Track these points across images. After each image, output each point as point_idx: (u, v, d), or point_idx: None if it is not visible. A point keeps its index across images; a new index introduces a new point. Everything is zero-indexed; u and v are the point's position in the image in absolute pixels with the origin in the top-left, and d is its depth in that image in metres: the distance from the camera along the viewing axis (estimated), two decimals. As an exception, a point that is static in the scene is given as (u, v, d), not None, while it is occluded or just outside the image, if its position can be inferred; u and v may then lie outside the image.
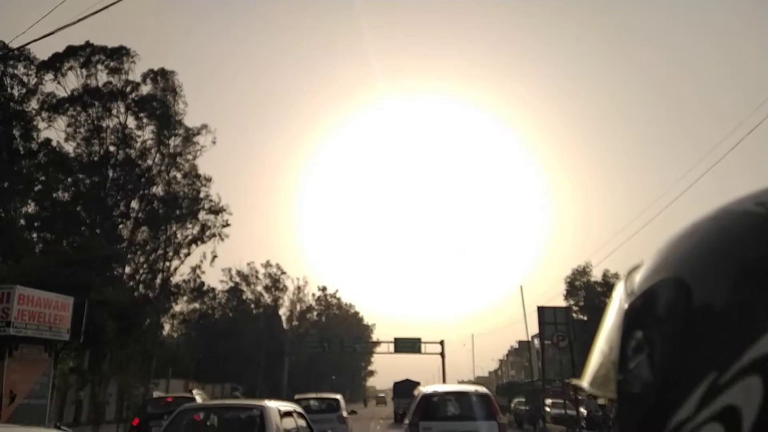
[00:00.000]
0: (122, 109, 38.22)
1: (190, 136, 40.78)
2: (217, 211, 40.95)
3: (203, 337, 68.49)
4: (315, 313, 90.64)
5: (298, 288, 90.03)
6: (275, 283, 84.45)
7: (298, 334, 70.13)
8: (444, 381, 56.51)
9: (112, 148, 38.19)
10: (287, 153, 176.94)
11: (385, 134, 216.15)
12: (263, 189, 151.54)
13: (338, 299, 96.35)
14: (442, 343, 56.51)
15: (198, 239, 40.80)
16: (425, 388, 10.87)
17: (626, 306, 0.61)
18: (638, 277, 0.62)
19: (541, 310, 24.26)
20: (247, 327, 70.42)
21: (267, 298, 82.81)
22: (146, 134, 39.38)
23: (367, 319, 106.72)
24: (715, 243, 0.55)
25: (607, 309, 0.67)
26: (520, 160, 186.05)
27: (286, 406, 7.78)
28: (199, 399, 14.29)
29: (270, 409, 7.03)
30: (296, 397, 17.94)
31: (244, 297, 79.90)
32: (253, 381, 63.39)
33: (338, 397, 17.07)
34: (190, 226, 40.13)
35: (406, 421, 10.08)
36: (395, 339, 56.25)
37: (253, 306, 79.36)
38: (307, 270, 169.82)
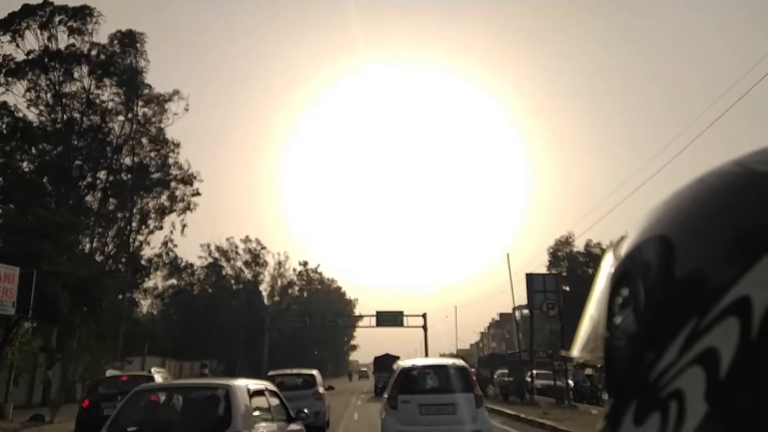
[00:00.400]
0: (86, 73, 35.97)
1: (160, 101, 38.76)
2: (186, 180, 39.17)
3: (181, 313, 67.04)
4: (296, 288, 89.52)
5: (279, 263, 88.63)
6: (255, 259, 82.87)
7: (279, 310, 68.84)
8: (426, 354, 56.02)
9: (76, 115, 36.07)
10: (268, 124, 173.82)
11: (367, 102, 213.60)
12: (243, 162, 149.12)
13: (320, 274, 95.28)
14: (424, 316, 55.78)
15: (167, 210, 39.12)
16: (404, 362, 10.84)
17: (612, 270, 0.64)
18: (625, 244, 0.65)
19: (530, 278, 23.39)
20: (227, 303, 69.15)
21: (247, 273, 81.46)
22: (112, 100, 37.27)
23: (350, 294, 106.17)
24: (695, 201, 0.58)
25: (596, 278, 0.68)
26: (501, 129, 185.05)
27: (256, 384, 7.14)
28: (159, 378, 13.02)
29: (236, 388, 6.37)
30: (270, 373, 16.86)
31: (223, 273, 78.45)
32: (233, 358, 62.36)
33: (314, 372, 16.02)
34: (158, 195, 38.34)
35: (386, 395, 10.19)
36: (377, 312, 55.31)
37: (233, 282, 77.98)
38: (289, 245, 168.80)
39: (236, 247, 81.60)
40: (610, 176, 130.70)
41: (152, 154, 37.91)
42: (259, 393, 6.94)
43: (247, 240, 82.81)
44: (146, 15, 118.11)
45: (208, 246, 79.82)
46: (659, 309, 0.56)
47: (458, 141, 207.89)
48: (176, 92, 38.97)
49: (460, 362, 10.72)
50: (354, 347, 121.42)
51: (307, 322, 56.70)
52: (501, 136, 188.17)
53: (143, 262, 37.84)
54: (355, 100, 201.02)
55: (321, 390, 15.54)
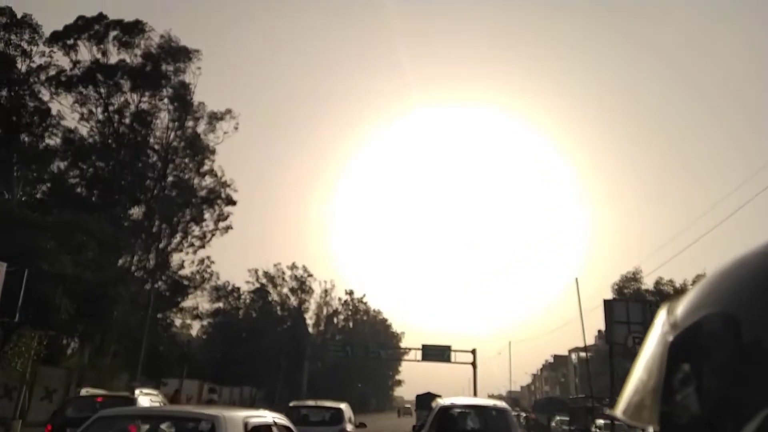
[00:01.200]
0: (130, 87, 35.83)
1: (212, 119, 38.26)
2: (229, 200, 38.17)
3: (224, 337, 66.05)
4: (341, 317, 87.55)
5: (325, 291, 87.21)
6: (301, 285, 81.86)
7: (322, 339, 66.81)
8: (475, 393, 52.45)
9: (124, 130, 35.88)
10: (321, 157, 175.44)
11: (419, 141, 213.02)
12: (296, 193, 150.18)
13: (365, 304, 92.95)
14: (473, 352, 52.43)
15: (208, 229, 38.15)
16: (443, 400, 10.09)
17: (671, 338, 0.60)
18: (682, 309, 0.60)
19: (610, 305, 19.39)
20: (271, 329, 67.71)
21: (293, 300, 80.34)
22: (162, 116, 36.97)
23: (396, 327, 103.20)
24: (765, 277, 0.53)
25: (647, 337, 0.65)
26: (558, 168, 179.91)
27: (260, 417, 5.95)
28: (144, 401, 10.96)
29: (225, 421, 5.19)
30: (291, 404, 14.69)
31: (269, 299, 77.51)
32: (273, 385, 60.41)
33: (342, 406, 13.73)
34: (200, 213, 37.41)
35: None
36: (423, 346, 52.42)
37: (278, 308, 76.84)
38: (336, 276, 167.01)
39: (283, 273, 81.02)
40: (684, 210, 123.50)
41: (192, 167, 37.16)
42: (264, 428, 5.90)
43: (293, 267, 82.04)
44: (205, 33, 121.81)
45: (256, 271, 79.34)
46: (725, 394, 0.51)
47: (511, 178, 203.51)
48: (228, 111, 38.46)
49: (501, 404, 10.17)
50: (399, 382, 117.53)
51: (349, 351, 54.31)
52: (557, 173, 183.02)
53: (181, 279, 36.73)
54: (407, 137, 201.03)
55: (349, 428, 13.27)
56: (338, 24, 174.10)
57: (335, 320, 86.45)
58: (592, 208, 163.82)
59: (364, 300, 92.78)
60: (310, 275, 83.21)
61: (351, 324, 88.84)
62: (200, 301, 40.32)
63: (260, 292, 77.50)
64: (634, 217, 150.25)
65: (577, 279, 29.28)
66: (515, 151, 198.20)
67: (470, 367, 52.28)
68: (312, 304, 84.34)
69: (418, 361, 52.72)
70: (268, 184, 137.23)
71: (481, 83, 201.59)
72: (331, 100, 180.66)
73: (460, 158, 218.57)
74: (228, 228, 38.78)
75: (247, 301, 76.94)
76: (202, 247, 37.88)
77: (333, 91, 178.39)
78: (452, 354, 51.85)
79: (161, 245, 36.56)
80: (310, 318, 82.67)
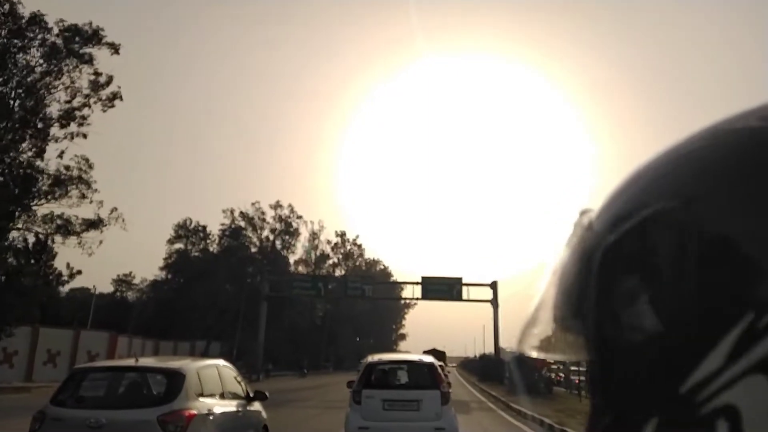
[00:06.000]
0: None
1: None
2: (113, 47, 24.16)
3: (177, 284, 53.43)
4: (331, 261, 75.11)
5: (313, 233, 74.88)
6: (287, 228, 69.16)
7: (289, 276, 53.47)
8: (496, 343, 39.58)
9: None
10: (325, 112, 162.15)
11: (421, 88, 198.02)
12: (300, 144, 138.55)
13: (360, 247, 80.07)
14: (493, 285, 38.97)
15: (85, 102, 24.38)
16: (372, 357, 10.60)
17: (600, 248, 0.47)
18: (610, 215, 0.48)
19: None
20: (239, 274, 54.77)
21: (278, 244, 67.70)
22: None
23: (397, 277, 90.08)
24: (726, 162, 0.43)
25: (550, 255, 0.54)
26: (569, 121, 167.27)
27: (207, 363, 7.58)
28: None
29: (182, 369, 6.66)
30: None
31: (246, 242, 64.57)
32: (235, 340, 47.64)
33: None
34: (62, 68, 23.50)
35: (351, 389, 9.98)
36: (423, 278, 38.70)
37: (256, 252, 64.04)
38: (331, 224, 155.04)
39: (263, 213, 68.12)
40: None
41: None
42: (212, 372, 7.11)
43: (278, 206, 68.98)
44: None
45: (231, 211, 66.42)
46: (693, 302, 0.41)
47: (519, 124, 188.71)
48: None
49: (428, 358, 10.56)
50: (403, 336, 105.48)
51: (321, 289, 40.78)
52: (568, 126, 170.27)
53: (38, 174, 23.05)
54: (408, 85, 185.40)
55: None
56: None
57: (323, 266, 74.16)
58: (599, 148, 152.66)
59: (358, 242, 79.89)
60: (299, 217, 70.59)
61: (343, 271, 76.06)
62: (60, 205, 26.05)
63: (234, 234, 64.68)
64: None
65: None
66: (522, 100, 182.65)
67: (489, 308, 39.30)
68: (299, 249, 72.30)
69: (418, 299, 39.47)
70: (266, 128, 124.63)
71: (487, 30, 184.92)
72: (336, 46, 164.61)
73: (464, 105, 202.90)
74: (114, 98, 24.99)
75: (216, 244, 64.46)
76: (70, 122, 24.05)
77: (337, 37, 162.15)
78: (464, 290, 38.47)
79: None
80: (295, 265, 70.58)
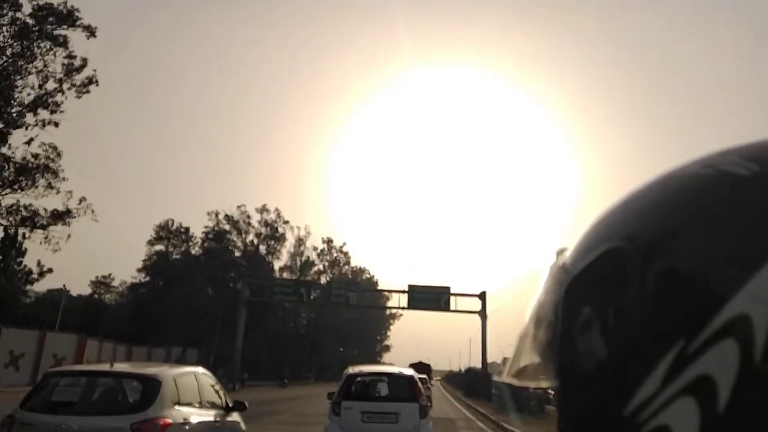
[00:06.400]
0: None
1: None
2: (89, 31, 22.68)
3: (156, 287, 51.58)
4: (316, 269, 73.45)
5: (299, 239, 73.25)
6: (273, 233, 67.53)
7: (269, 279, 51.80)
8: (483, 355, 38.24)
9: None
10: (318, 123, 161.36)
11: (411, 101, 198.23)
12: (290, 148, 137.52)
13: (346, 255, 78.48)
14: (482, 296, 37.73)
15: (59, 88, 22.88)
16: (353, 369, 10.69)
17: (565, 284, 0.54)
18: (576, 251, 0.55)
19: None
20: (220, 278, 53.12)
21: (262, 249, 66.06)
22: None
23: (384, 286, 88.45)
24: (669, 205, 0.49)
25: (534, 292, 0.60)
26: (553, 132, 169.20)
27: (185, 370, 7.44)
28: None
29: (158, 375, 6.44)
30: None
31: (230, 246, 62.86)
32: (216, 346, 45.95)
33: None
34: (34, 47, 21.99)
35: (330, 401, 10.09)
36: (410, 287, 37.28)
37: (240, 256, 62.35)
38: (318, 230, 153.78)
39: (249, 217, 66.47)
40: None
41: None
42: (190, 380, 6.93)
43: (264, 210, 67.39)
44: None
45: (216, 214, 64.72)
46: (634, 330, 0.46)
47: (507, 141, 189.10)
48: None
49: (408, 371, 10.61)
50: (387, 348, 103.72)
51: (304, 294, 39.23)
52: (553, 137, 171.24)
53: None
54: (403, 104, 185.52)
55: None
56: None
57: (309, 273, 72.49)
58: (585, 174, 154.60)
59: (344, 249, 78.33)
60: (286, 222, 69.04)
61: (328, 278, 74.40)
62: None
63: (218, 237, 62.97)
64: (629, 179, 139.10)
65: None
66: (509, 108, 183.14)
67: (477, 320, 38.03)
68: (284, 255, 70.67)
69: (404, 308, 38.07)
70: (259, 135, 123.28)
71: (475, 45, 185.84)
72: (324, 58, 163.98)
73: (454, 114, 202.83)
74: (90, 82, 23.51)
75: (198, 246, 62.69)
76: (41, 108, 22.52)
77: (325, 51, 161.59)
78: (452, 300, 37.16)
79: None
80: (280, 272, 68.80)
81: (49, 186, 22.45)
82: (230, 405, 7.68)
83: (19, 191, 22.52)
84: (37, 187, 22.42)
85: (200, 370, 7.69)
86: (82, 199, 24.76)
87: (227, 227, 64.34)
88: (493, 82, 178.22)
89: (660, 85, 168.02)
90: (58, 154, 22.52)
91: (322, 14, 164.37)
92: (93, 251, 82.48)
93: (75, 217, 24.60)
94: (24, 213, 23.10)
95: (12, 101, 22.43)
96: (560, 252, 0.57)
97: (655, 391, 0.43)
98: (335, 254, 77.02)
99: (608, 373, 0.47)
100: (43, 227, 23.71)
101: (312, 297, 39.05)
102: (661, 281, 0.46)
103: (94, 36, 22.78)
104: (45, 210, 23.84)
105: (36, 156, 22.37)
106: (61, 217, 23.38)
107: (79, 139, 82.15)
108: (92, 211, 25.01)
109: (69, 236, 24.47)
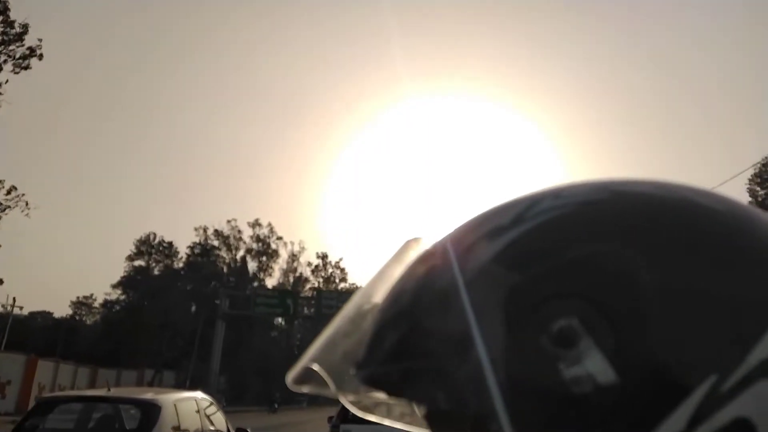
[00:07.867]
0: None
1: None
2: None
3: (133, 306, 46.87)
4: (310, 285, 68.70)
5: (293, 255, 68.73)
6: (266, 248, 63.11)
7: (252, 290, 47.08)
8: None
9: None
10: (314, 150, 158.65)
11: (414, 125, 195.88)
12: (285, 164, 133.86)
13: (342, 270, 73.82)
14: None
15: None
16: None
17: (510, 284, 0.42)
18: (536, 249, 0.43)
19: None
20: (204, 291, 48.42)
21: (253, 265, 61.58)
22: None
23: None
24: (620, 220, 0.42)
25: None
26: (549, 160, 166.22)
27: (187, 396, 7.54)
28: None
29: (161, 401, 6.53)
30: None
31: (218, 262, 58.29)
32: (196, 369, 41.01)
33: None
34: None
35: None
36: None
37: (227, 271, 57.85)
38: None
39: (240, 232, 62.03)
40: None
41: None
42: (190, 405, 6.89)
43: (256, 224, 62.98)
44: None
45: (204, 229, 60.29)
46: (653, 356, 0.37)
47: (503, 167, 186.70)
48: None
49: None
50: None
51: (290, 306, 34.22)
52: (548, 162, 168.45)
53: None
54: (401, 126, 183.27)
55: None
56: (328, 14, 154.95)
57: (303, 291, 67.90)
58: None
59: (341, 265, 73.71)
60: (279, 238, 64.70)
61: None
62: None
63: (204, 251, 58.38)
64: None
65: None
66: (506, 142, 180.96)
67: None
68: (276, 272, 66.14)
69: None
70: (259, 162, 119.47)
71: (473, 74, 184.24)
72: (323, 89, 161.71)
73: (450, 139, 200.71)
74: (31, 54, 19.44)
75: (182, 262, 58.07)
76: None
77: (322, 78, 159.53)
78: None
79: None
80: (271, 286, 64.26)
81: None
82: (232, 431, 7.66)
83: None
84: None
85: (200, 394, 7.65)
86: (11, 189, 20.50)
87: (216, 243, 60.22)
88: (489, 99, 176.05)
89: (657, 101, 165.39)
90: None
91: (315, 32, 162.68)
92: (77, 271, 77.70)
93: (5, 209, 20.32)
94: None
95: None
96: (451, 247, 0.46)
97: (680, 431, 0.35)
98: (330, 270, 72.41)
99: (613, 404, 0.37)
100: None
101: (299, 309, 34.36)
102: (688, 301, 0.37)
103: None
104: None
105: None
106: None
107: (73, 148, 77.98)
108: (26, 204, 20.72)
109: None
